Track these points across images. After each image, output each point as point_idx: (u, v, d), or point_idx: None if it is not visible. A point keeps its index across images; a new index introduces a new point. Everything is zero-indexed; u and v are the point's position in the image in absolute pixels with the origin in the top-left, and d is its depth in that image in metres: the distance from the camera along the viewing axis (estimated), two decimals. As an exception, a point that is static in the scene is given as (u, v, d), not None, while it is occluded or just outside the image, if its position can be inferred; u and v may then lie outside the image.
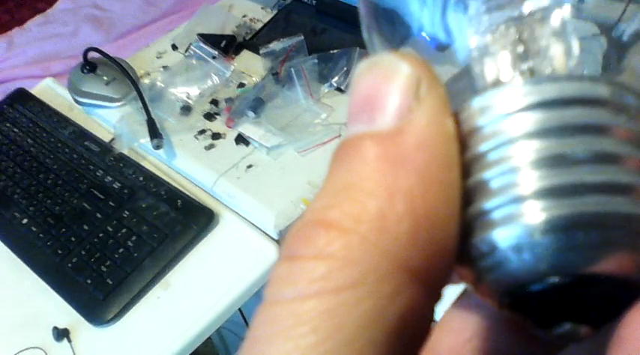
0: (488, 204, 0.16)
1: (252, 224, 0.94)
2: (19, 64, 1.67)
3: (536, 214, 0.15)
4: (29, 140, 1.10)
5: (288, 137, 1.00)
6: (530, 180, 0.16)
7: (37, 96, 1.18)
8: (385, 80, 0.17)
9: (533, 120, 0.16)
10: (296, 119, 1.02)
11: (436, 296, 0.16)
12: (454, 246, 0.16)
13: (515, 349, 0.20)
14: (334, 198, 0.16)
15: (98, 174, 1.02)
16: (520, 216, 0.16)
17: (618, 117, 0.16)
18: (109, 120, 1.10)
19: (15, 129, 1.12)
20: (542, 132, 0.16)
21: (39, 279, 0.93)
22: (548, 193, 0.15)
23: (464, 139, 0.17)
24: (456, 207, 0.16)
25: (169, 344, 0.85)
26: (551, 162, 0.16)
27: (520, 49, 0.18)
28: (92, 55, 1.12)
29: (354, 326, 0.14)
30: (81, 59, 1.14)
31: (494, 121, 0.16)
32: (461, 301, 0.21)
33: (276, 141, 1.00)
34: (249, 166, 0.99)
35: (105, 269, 0.90)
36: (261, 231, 0.93)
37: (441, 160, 0.16)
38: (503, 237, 0.16)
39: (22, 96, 1.18)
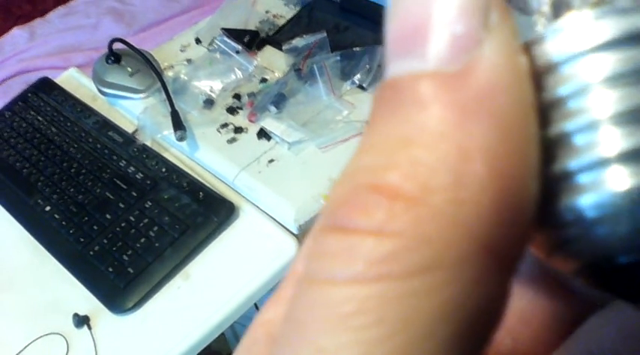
0: (574, 163, 0.14)
1: (273, 218, 0.95)
2: (41, 54, 1.69)
3: (624, 180, 0.13)
4: (53, 128, 1.11)
5: (310, 133, 1.00)
6: (616, 138, 0.13)
7: (61, 85, 1.19)
8: None
9: (627, 58, 0.13)
10: (318, 115, 1.03)
11: (512, 279, 0.14)
12: (534, 214, 0.13)
13: (552, 306, 0.19)
14: (390, 155, 0.13)
15: (121, 164, 1.03)
16: (606, 181, 0.13)
17: None
18: (133, 111, 1.11)
19: (39, 118, 1.13)
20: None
21: (61, 266, 0.94)
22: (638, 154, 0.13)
23: (537, 79, 0.14)
24: (537, 165, 0.13)
25: (188, 334, 0.86)
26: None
27: None
28: (117, 46, 1.13)
29: (428, 320, 0.12)
30: (102, 51, 1.15)
31: (580, 55, 0.13)
32: None
33: (298, 136, 1.01)
34: (271, 161, 0.99)
35: (126, 258, 0.91)
36: (281, 225, 0.93)
37: (521, 107, 0.13)
38: (592, 204, 0.14)
39: (46, 86, 1.20)
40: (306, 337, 0.12)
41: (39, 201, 1.01)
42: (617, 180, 0.13)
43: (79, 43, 1.68)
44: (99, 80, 1.13)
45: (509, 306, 0.18)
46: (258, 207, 0.97)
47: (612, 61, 0.13)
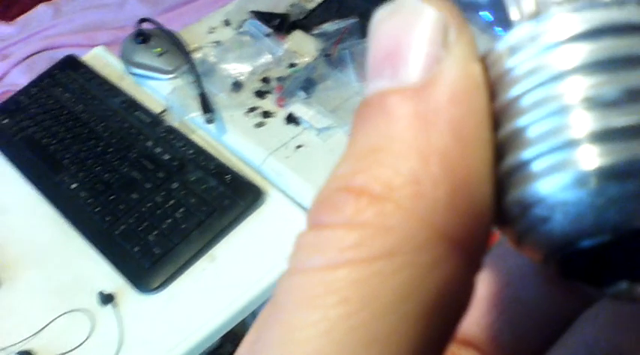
0: (526, 154, 0.15)
1: (299, 204, 0.94)
2: (65, 32, 1.69)
3: (591, 160, 0.14)
4: (80, 106, 1.11)
5: (339, 119, 1.00)
6: (582, 121, 0.14)
7: (88, 63, 1.19)
8: (408, 27, 0.15)
9: (583, 51, 0.14)
10: (347, 101, 1.02)
11: (476, 266, 0.15)
12: (491, 207, 0.15)
13: (551, 298, 0.19)
14: (361, 162, 0.15)
15: (148, 144, 1.03)
16: (570, 163, 0.14)
17: None
18: (160, 92, 1.10)
19: (66, 95, 1.13)
20: (592, 66, 0.14)
21: (86, 244, 0.94)
22: (605, 136, 0.14)
23: (492, 87, 0.15)
24: (489, 164, 0.15)
25: (212, 316, 0.86)
26: (601, 100, 0.14)
27: None
28: (145, 25, 1.13)
29: (389, 299, 0.13)
30: (127, 31, 1.14)
31: (528, 59, 0.15)
32: (493, 250, 0.20)
33: (327, 122, 1.00)
34: (299, 146, 0.99)
35: (152, 239, 0.91)
36: (307, 211, 0.93)
37: (476, 114, 0.15)
38: (548, 188, 0.14)
39: (73, 63, 1.19)
40: (280, 318, 0.14)
41: (65, 178, 1.02)
42: (579, 162, 0.14)
43: (104, 22, 1.67)
44: (127, 59, 1.13)
45: (511, 299, 0.19)
46: (284, 192, 0.96)
47: (577, 54, 0.14)
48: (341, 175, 0.15)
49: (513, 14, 0.16)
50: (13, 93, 1.21)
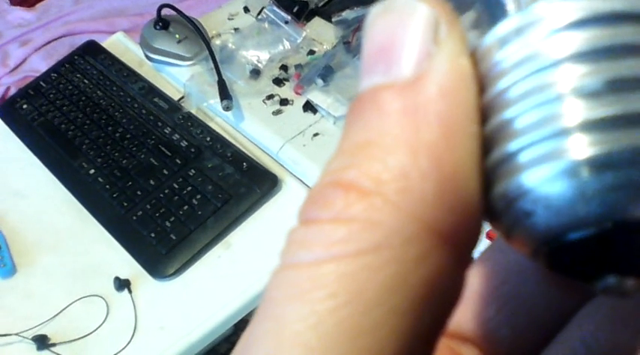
0: (511, 146, 0.15)
1: (315, 192, 0.94)
2: (85, 18, 1.69)
3: (572, 151, 0.14)
4: (99, 92, 1.11)
5: (357, 108, 0.99)
6: (565, 113, 0.14)
7: (108, 49, 1.19)
8: (400, 24, 0.15)
9: (569, 42, 0.14)
10: (365, 90, 1.01)
11: (465, 260, 0.15)
12: (480, 201, 0.15)
13: (549, 294, 0.19)
14: (351, 157, 0.15)
15: (166, 131, 1.03)
16: (551, 155, 0.14)
17: None
18: (179, 78, 1.10)
19: (85, 81, 1.13)
20: (584, 55, 0.14)
21: (103, 230, 0.95)
22: (586, 127, 0.14)
23: (482, 80, 0.15)
24: (477, 157, 0.15)
25: (227, 303, 0.86)
26: (584, 91, 0.14)
27: None
28: (165, 12, 1.13)
29: (376, 292, 0.14)
30: (147, 17, 1.14)
31: (515, 52, 0.15)
32: (492, 245, 0.20)
33: (344, 110, 0.99)
34: (316, 134, 0.98)
35: (169, 225, 0.91)
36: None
37: (464, 108, 0.15)
38: (531, 181, 0.14)
39: (92, 49, 1.20)
40: (271, 312, 0.14)
41: (83, 163, 1.02)
42: (569, 151, 0.14)
43: (124, 8, 1.67)
44: (146, 45, 1.13)
45: (510, 295, 0.19)
46: (301, 180, 0.96)
47: (563, 44, 0.14)
48: (332, 170, 0.15)
49: (509, 6, 0.16)
50: (32, 78, 1.21)
